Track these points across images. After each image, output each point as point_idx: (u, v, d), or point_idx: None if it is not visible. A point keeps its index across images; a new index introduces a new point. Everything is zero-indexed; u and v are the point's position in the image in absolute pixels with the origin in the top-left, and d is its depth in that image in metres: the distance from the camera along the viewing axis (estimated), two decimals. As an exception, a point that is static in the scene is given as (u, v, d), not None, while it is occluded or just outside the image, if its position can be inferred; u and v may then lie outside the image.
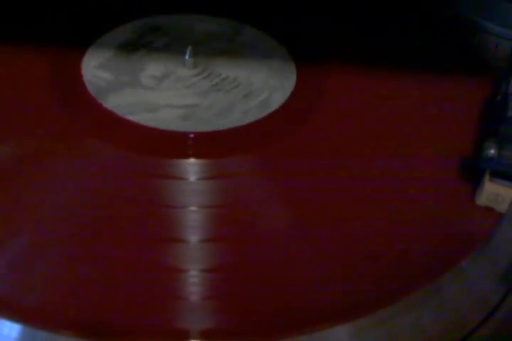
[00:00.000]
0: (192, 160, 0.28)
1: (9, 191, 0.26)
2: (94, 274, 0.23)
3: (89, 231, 0.25)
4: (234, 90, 0.31)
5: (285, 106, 0.31)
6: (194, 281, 0.24)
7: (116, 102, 0.30)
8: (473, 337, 0.26)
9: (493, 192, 0.27)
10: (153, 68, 0.32)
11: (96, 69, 0.31)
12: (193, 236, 0.25)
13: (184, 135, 0.28)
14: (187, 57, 0.32)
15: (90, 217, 0.25)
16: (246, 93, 0.31)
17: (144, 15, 0.34)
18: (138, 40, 0.33)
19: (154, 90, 0.31)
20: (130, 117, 0.29)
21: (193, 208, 0.26)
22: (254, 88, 0.31)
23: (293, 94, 0.31)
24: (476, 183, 0.28)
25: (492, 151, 0.27)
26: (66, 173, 0.27)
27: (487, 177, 0.27)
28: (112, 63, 0.32)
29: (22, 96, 0.30)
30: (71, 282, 0.23)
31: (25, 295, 0.22)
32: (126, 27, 0.34)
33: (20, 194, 0.26)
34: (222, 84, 0.32)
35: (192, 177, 0.27)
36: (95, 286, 0.23)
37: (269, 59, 0.33)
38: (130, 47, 0.33)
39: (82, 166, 0.27)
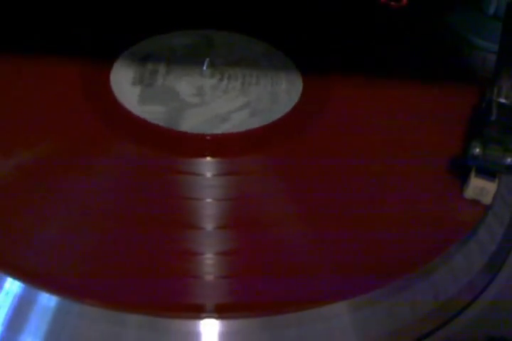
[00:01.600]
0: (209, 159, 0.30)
1: (48, 185, 0.28)
2: (121, 256, 0.25)
3: (121, 219, 0.26)
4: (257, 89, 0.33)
5: (294, 111, 0.32)
6: (209, 263, 0.26)
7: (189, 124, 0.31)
8: (459, 319, 0.27)
9: (479, 186, 0.29)
10: (184, 86, 0.33)
11: (127, 84, 0.33)
12: (209, 224, 0.27)
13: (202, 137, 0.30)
14: (205, 67, 0.34)
15: (122, 207, 0.27)
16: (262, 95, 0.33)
17: (166, 30, 0.36)
18: (160, 53, 0.35)
19: (205, 104, 0.32)
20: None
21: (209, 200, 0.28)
22: (267, 92, 0.33)
23: (300, 100, 0.33)
24: (464, 179, 0.29)
25: (477, 150, 0.28)
26: (108, 171, 0.29)
27: (473, 173, 0.29)
28: (143, 76, 0.33)
29: (54, 103, 0.32)
30: (100, 261, 0.25)
31: (60, 270, 0.24)
32: (150, 40, 0.36)
33: (57, 188, 0.28)
34: (247, 84, 0.34)
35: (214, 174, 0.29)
36: (122, 266, 0.25)
37: (277, 68, 0.35)
38: (154, 60, 0.34)
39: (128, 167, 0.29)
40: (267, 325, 0.24)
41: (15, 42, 0.35)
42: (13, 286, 0.24)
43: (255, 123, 0.32)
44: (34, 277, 0.24)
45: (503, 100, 0.32)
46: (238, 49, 0.36)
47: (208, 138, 0.30)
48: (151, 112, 0.32)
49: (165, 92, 0.33)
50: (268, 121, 0.32)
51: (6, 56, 0.34)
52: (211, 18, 0.38)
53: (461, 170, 0.30)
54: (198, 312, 0.24)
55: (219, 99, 0.33)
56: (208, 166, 0.30)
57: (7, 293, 0.24)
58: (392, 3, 0.42)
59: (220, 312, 0.24)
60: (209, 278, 0.25)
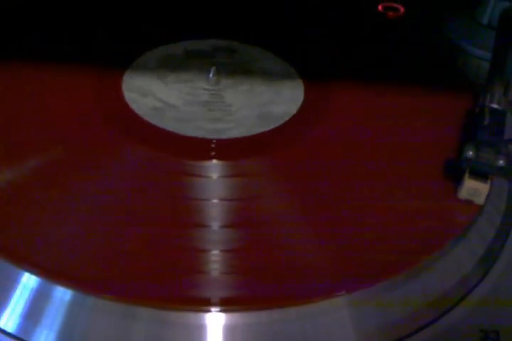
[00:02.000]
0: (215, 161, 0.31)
1: (63, 186, 0.29)
2: (132, 253, 0.26)
3: (133, 218, 0.28)
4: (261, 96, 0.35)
5: (296, 117, 0.34)
6: (215, 259, 0.27)
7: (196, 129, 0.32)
8: (453, 313, 0.28)
9: (472, 188, 0.30)
10: (188, 91, 0.34)
11: (137, 92, 0.34)
12: (215, 223, 0.28)
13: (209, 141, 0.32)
14: (211, 75, 0.35)
15: (134, 206, 0.28)
16: (266, 101, 0.35)
17: (174, 40, 0.38)
18: (168, 62, 0.36)
19: (210, 110, 0.33)
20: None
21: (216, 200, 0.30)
22: (270, 99, 0.35)
23: (302, 106, 0.34)
24: (458, 180, 0.31)
25: (471, 153, 0.30)
26: (121, 172, 0.30)
27: (467, 174, 0.30)
28: (153, 85, 0.35)
29: (70, 108, 0.33)
30: (112, 257, 0.26)
31: (75, 265, 0.26)
32: (157, 51, 0.37)
33: (72, 188, 0.29)
34: (251, 91, 0.35)
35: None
36: (133, 262, 0.26)
37: (280, 76, 0.36)
38: (163, 69, 0.36)
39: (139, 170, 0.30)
40: (269, 318, 0.25)
41: (33, 51, 0.36)
42: (30, 281, 0.25)
43: (258, 128, 0.33)
44: (50, 272, 0.25)
45: (495, 106, 0.33)
46: (244, 58, 0.38)
47: (214, 142, 0.32)
48: (159, 117, 0.33)
49: (173, 98, 0.34)
50: (271, 127, 0.33)
51: (24, 65, 0.35)
52: (220, 28, 0.39)
53: (455, 172, 0.31)
54: (204, 305, 0.25)
55: (224, 106, 0.34)
56: (214, 168, 0.31)
57: (24, 287, 0.25)
58: (390, 12, 0.43)
59: (224, 305, 0.25)
60: (215, 273, 0.26)
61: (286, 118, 0.34)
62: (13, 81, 0.34)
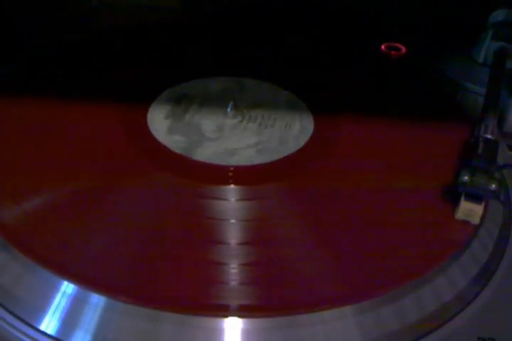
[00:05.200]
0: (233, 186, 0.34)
1: (94, 207, 0.32)
2: (159, 266, 0.29)
3: (160, 234, 0.30)
4: (273, 129, 0.37)
5: (307, 147, 0.36)
6: (232, 271, 0.29)
7: (203, 155, 0.35)
8: (453, 322, 0.30)
9: (468, 209, 0.32)
10: (208, 123, 0.37)
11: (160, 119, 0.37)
12: (232, 240, 0.31)
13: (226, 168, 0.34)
14: (229, 109, 0.38)
15: (161, 225, 0.31)
16: (277, 133, 0.37)
17: (203, 76, 0.41)
18: (189, 97, 0.39)
19: (221, 139, 0.36)
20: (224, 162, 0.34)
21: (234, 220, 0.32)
22: (281, 131, 0.37)
23: (311, 137, 0.37)
24: (455, 203, 0.33)
25: (466, 178, 0.32)
26: (147, 194, 0.32)
27: (463, 197, 0.32)
28: (174, 117, 0.37)
29: (98, 136, 0.36)
30: (142, 269, 0.29)
31: (108, 275, 0.28)
32: (188, 83, 0.40)
33: (101, 208, 0.32)
34: (264, 126, 0.37)
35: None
36: (161, 274, 0.28)
37: (292, 112, 0.39)
38: (184, 103, 0.39)
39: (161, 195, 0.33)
40: (281, 324, 0.27)
41: (70, 84, 0.40)
42: (68, 289, 0.28)
43: (269, 157, 0.35)
44: (86, 281, 0.28)
45: (488, 136, 0.35)
46: (261, 94, 0.40)
47: (232, 168, 0.34)
48: (179, 145, 0.35)
49: (190, 127, 0.37)
50: (281, 156, 0.35)
51: (57, 100, 0.38)
52: (236, 66, 0.43)
53: (453, 195, 0.33)
54: (223, 311, 0.27)
55: (235, 137, 0.37)
56: (232, 192, 0.33)
57: (63, 294, 0.28)
58: (393, 52, 0.46)
59: (241, 312, 0.27)
60: (233, 283, 0.28)
61: (295, 150, 0.36)
62: (47, 115, 0.37)
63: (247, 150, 0.36)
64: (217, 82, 0.41)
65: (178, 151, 0.35)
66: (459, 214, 0.32)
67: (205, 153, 0.35)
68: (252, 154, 0.36)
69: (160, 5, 0.51)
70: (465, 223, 0.32)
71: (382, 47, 0.46)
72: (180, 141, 0.36)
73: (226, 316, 0.27)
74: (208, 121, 0.38)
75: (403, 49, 0.46)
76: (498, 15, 0.43)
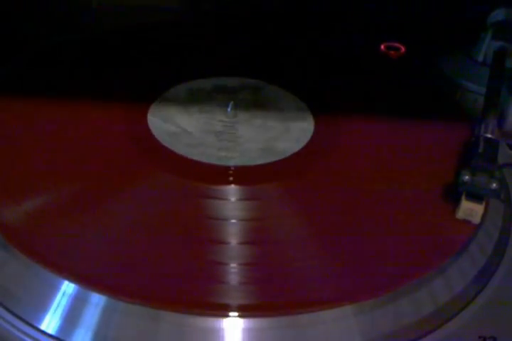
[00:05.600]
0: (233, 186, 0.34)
1: (96, 207, 0.32)
2: (159, 265, 0.29)
3: (160, 235, 0.30)
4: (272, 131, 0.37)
5: (307, 147, 0.36)
6: (232, 271, 0.29)
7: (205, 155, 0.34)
8: (453, 321, 0.30)
9: (468, 208, 0.32)
10: (209, 123, 0.37)
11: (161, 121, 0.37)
12: (233, 240, 0.31)
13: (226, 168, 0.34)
14: (229, 109, 0.38)
15: (160, 224, 0.31)
16: (274, 136, 0.37)
17: (202, 76, 0.41)
18: (196, 95, 0.39)
19: (225, 140, 0.36)
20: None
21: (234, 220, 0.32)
22: (281, 132, 0.37)
23: (311, 139, 0.37)
24: (456, 202, 0.32)
25: (467, 177, 0.32)
26: (148, 194, 0.32)
27: (464, 197, 0.32)
28: (176, 113, 0.37)
29: (101, 136, 0.36)
30: (141, 268, 0.28)
31: (108, 275, 0.28)
32: (188, 84, 0.40)
33: (103, 208, 0.32)
34: (265, 125, 0.37)
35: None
36: (160, 273, 0.28)
37: (292, 111, 0.39)
38: (190, 100, 0.39)
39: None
40: (281, 324, 0.27)
41: (69, 84, 0.40)
42: (68, 288, 0.28)
43: (261, 159, 0.35)
44: (86, 280, 0.28)
45: (489, 135, 0.35)
46: (259, 93, 0.40)
47: (232, 169, 0.34)
48: (181, 145, 0.35)
49: (193, 129, 0.37)
50: (281, 157, 0.35)
51: (60, 96, 0.38)
52: (236, 66, 0.43)
53: (454, 194, 0.33)
54: (222, 311, 0.27)
55: (234, 137, 0.37)
56: (231, 192, 0.33)
57: (64, 294, 0.28)
58: (392, 52, 0.46)
59: (240, 311, 0.27)
60: (233, 283, 0.28)
61: (290, 153, 0.36)
62: (47, 115, 0.37)
63: (249, 150, 0.36)
64: (217, 81, 0.41)
65: (179, 152, 0.35)
66: (460, 214, 0.32)
67: (208, 154, 0.35)
68: (254, 154, 0.35)
69: (160, 5, 0.51)
70: (465, 223, 0.32)
71: (382, 47, 0.46)
72: (181, 141, 0.36)
73: (226, 316, 0.27)
74: (208, 121, 0.38)
75: (402, 49, 0.46)
76: (498, 14, 0.43)
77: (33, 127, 0.36)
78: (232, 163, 0.35)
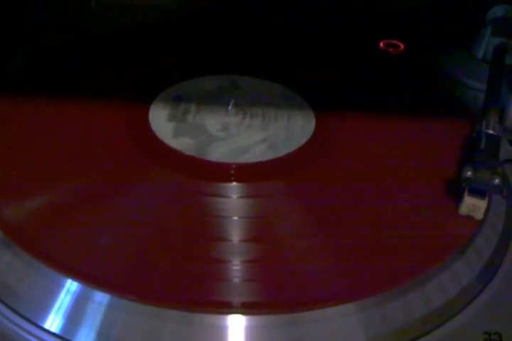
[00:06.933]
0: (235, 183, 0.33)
1: (98, 205, 0.32)
2: (162, 263, 0.28)
3: (163, 232, 0.30)
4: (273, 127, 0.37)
5: (307, 145, 0.36)
6: (235, 268, 0.29)
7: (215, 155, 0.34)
8: (459, 316, 0.30)
9: (471, 204, 0.32)
10: (212, 123, 0.37)
11: (162, 120, 0.37)
12: (236, 237, 0.30)
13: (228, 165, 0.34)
14: (230, 107, 0.38)
15: (163, 222, 0.31)
16: (279, 131, 0.37)
17: (198, 75, 0.41)
18: (192, 95, 0.39)
19: (229, 138, 0.36)
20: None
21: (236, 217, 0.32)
22: (283, 128, 0.37)
23: (313, 135, 0.37)
24: (458, 198, 0.32)
25: (469, 173, 0.32)
26: (150, 193, 0.32)
27: (466, 192, 0.32)
28: (176, 117, 0.37)
29: (101, 137, 0.36)
30: (145, 266, 0.28)
31: (111, 273, 0.28)
32: (184, 83, 0.40)
33: (106, 207, 0.32)
34: (267, 122, 0.37)
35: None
36: (164, 270, 0.28)
37: (293, 107, 0.39)
38: (186, 101, 0.38)
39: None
40: (283, 321, 0.27)
41: (69, 84, 0.40)
42: (72, 286, 0.28)
43: (269, 155, 0.35)
44: (90, 279, 0.28)
45: (490, 131, 0.35)
46: (259, 91, 0.40)
47: (234, 166, 0.34)
48: (183, 144, 0.35)
49: (195, 128, 0.37)
50: (284, 154, 0.35)
51: (60, 96, 0.38)
52: (236, 64, 0.43)
53: (456, 190, 0.33)
54: (226, 308, 0.27)
55: (242, 134, 0.37)
56: (233, 190, 0.33)
57: (67, 292, 0.28)
58: (391, 49, 0.46)
59: (243, 309, 0.27)
60: (236, 280, 0.28)
61: (297, 146, 0.36)
62: (47, 115, 0.37)
63: (253, 147, 0.35)
64: (217, 80, 0.41)
65: (188, 153, 0.35)
66: (463, 210, 0.32)
67: (213, 152, 0.35)
68: (259, 151, 0.35)
69: (160, 5, 0.51)
70: (468, 218, 0.32)
71: (381, 44, 0.46)
72: (188, 143, 0.35)
73: (229, 313, 0.27)
74: (211, 120, 0.37)
75: (401, 46, 0.46)
76: (497, 11, 0.43)
77: (34, 127, 0.36)
78: (246, 160, 0.34)
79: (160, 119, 0.37)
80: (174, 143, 0.35)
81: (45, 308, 0.28)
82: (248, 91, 0.40)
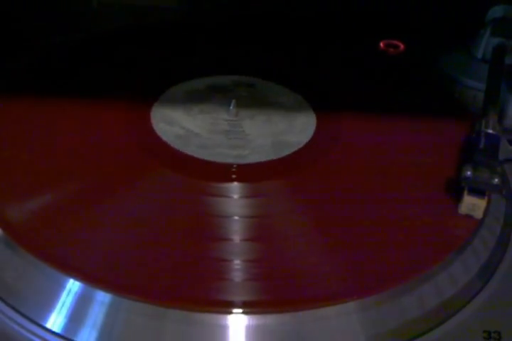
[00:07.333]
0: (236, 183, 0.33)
1: (101, 204, 0.32)
2: (163, 262, 0.29)
3: (165, 232, 0.30)
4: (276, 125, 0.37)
5: (308, 145, 0.36)
6: (236, 268, 0.29)
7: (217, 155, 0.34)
8: (458, 316, 0.30)
9: (471, 203, 0.32)
10: (212, 122, 0.37)
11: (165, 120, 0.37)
12: (237, 236, 0.30)
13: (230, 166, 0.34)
14: (231, 107, 0.38)
15: (165, 222, 0.31)
16: (280, 131, 0.37)
17: (198, 75, 0.41)
18: (193, 96, 0.39)
19: (230, 138, 0.36)
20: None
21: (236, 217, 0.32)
22: (284, 129, 0.37)
23: (314, 135, 0.37)
24: (458, 197, 0.32)
25: (469, 173, 0.32)
26: (152, 192, 0.32)
27: (466, 192, 0.32)
28: (179, 116, 0.37)
29: (104, 136, 0.36)
30: (146, 265, 0.28)
31: (113, 272, 0.28)
32: (183, 85, 0.40)
33: (108, 205, 0.32)
34: (268, 122, 0.37)
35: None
36: (165, 270, 0.28)
37: (294, 108, 0.39)
38: (188, 101, 0.38)
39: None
40: (286, 321, 0.27)
41: (69, 84, 0.40)
42: (73, 286, 0.28)
43: (272, 155, 0.35)
44: (92, 278, 0.28)
45: (490, 131, 0.35)
46: (261, 92, 0.40)
47: (235, 166, 0.34)
48: (184, 144, 0.35)
49: (196, 128, 0.37)
50: (285, 154, 0.35)
51: (61, 96, 0.38)
52: (236, 64, 0.43)
53: (456, 190, 0.33)
54: (227, 308, 0.27)
55: (243, 134, 0.37)
56: (234, 190, 0.33)
57: (69, 292, 0.28)
58: (391, 49, 0.46)
59: (245, 308, 0.27)
60: (236, 280, 0.28)
61: (299, 146, 0.36)
62: (47, 115, 0.37)
63: (261, 146, 0.36)
64: (218, 80, 0.41)
65: (192, 154, 0.35)
66: (463, 209, 0.32)
67: (222, 154, 0.35)
68: (267, 150, 0.35)
69: (160, 5, 0.51)
70: (467, 218, 0.32)
71: (381, 44, 0.46)
72: (192, 143, 0.35)
73: (230, 312, 0.27)
74: (213, 121, 0.37)
75: (401, 46, 0.46)
76: (497, 11, 0.43)
77: (35, 126, 0.36)
78: (248, 160, 0.34)
79: (162, 119, 0.37)
80: (175, 144, 0.35)
81: (47, 308, 0.28)
82: (249, 91, 0.40)
